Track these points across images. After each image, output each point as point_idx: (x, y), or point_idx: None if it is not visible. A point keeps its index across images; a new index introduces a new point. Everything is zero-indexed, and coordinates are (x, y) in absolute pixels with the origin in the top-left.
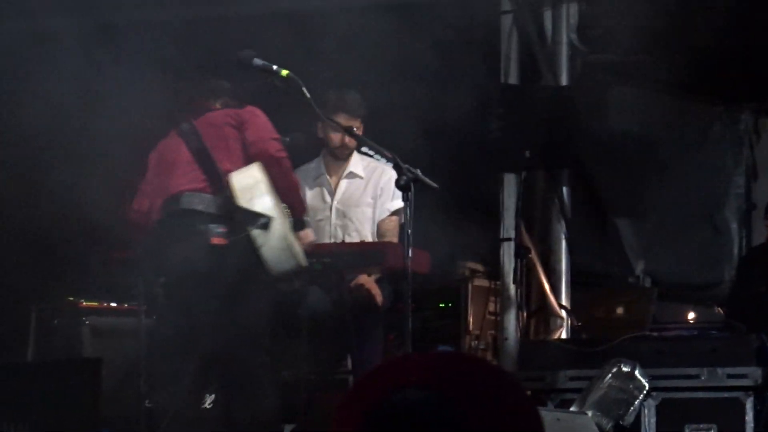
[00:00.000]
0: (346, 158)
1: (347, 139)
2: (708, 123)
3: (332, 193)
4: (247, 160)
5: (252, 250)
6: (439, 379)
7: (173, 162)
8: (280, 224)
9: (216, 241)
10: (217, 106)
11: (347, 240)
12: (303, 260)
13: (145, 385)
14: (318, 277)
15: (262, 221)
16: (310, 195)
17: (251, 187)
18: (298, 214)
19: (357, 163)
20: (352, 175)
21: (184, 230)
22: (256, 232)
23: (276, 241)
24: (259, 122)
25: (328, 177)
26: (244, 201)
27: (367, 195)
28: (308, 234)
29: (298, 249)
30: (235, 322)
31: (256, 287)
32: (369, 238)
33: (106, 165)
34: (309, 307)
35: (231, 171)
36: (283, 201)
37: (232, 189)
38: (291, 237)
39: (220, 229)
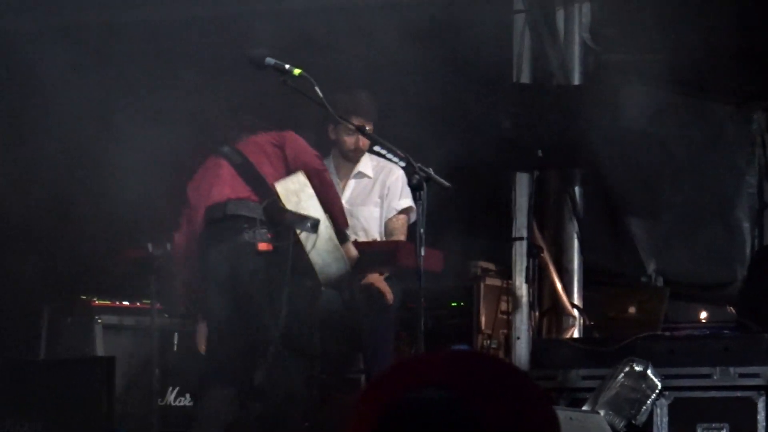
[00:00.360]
0: (357, 160)
1: (361, 142)
2: (720, 122)
3: (341, 192)
4: (290, 174)
5: (299, 256)
6: (456, 378)
7: (216, 176)
8: (327, 227)
9: (263, 247)
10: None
11: (355, 239)
12: (349, 265)
13: (158, 384)
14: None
15: (311, 222)
16: None
17: (297, 191)
18: (340, 226)
19: (366, 163)
20: (360, 175)
21: (231, 235)
22: (304, 236)
23: (324, 244)
24: (299, 141)
25: (337, 178)
26: (291, 204)
27: (375, 194)
28: (351, 248)
29: (344, 253)
30: (278, 326)
31: (301, 293)
32: (377, 238)
33: (123, 166)
34: (321, 306)
35: (275, 180)
36: (326, 212)
37: (278, 194)
38: (337, 241)
39: (268, 236)
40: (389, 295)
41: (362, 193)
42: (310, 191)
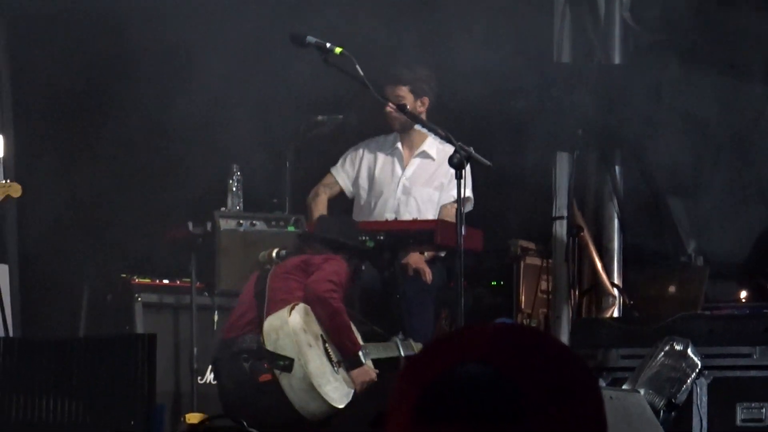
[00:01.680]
0: (405, 131)
1: (392, 108)
2: (761, 103)
3: (403, 168)
4: (304, 301)
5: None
6: (498, 352)
7: (240, 304)
8: (302, 365)
9: (263, 378)
10: (311, 250)
11: (405, 217)
12: (337, 401)
13: (197, 362)
14: (370, 255)
15: (282, 363)
16: (380, 165)
17: (277, 328)
18: (349, 354)
19: (432, 144)
20: (424, 155)
21: (236, 371)
22: (278, 374)
23: (298, 383)
24: (325, 266)
25: (403, 151)
26: (269, 342)
27: (436, 178)
28: (362, 373)
29: (329, 391)
30: None
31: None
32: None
33: (167, 147)
34: (361, 285)
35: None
36: (331, 341)
37: (263, 330)
38: (319, 379)
39: (265, 365)
40: (428, 275)
41: (424, 173)
42: (288, 329)
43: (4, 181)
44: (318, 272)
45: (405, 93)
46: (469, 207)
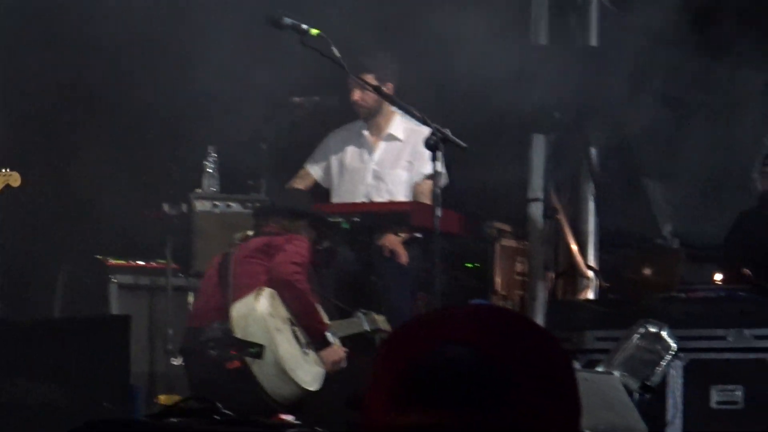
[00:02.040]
0: (370, 117)
1: (358, 95)
2: (739, 85)
3: (371, 154)
4: (269, 284)
5: (252, 380)
6: (477, 333)
7: (205, 290)
8: (273, 351)
9: (231, 365)
10: (266, 229)
11: (378, 201)
12: (309, 384)
13: (172, 344)
14: (346, 237)
15: (252, 351)
16: (349, 154)
17: (246, 315)
18: (317, 335)
19: (398, 125)
20: (390, 138)
21: (205, 360)
22: (249, 360)
23: (269, 368)
24: (288, 248)
25: (369, 137)
26: (238, 330)
27: (404, 158)
28: (331, 353)
29: (301, 374)
30: None
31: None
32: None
33: (143, 129)
34: (337, 267)
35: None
36: (299, 324)
37: (232, 318)
38: (290, 363)
39: (232, 353)
40: (404, 257)
41: (391, 155)
42: (257, 315)
43: (3, 170)
44: (281, 254)
45: (371, 80)
46: (444, 181)
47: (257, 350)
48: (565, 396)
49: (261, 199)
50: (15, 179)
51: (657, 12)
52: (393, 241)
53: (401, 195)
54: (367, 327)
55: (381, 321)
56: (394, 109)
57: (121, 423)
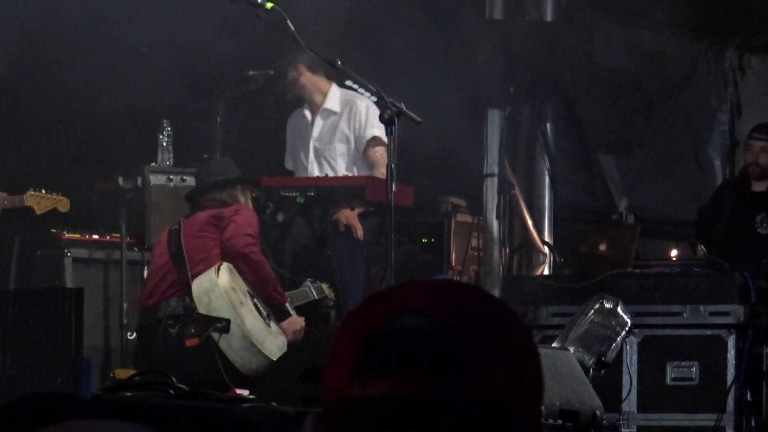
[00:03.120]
0: (297, 97)
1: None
2: (693, 60)
3: (311, 131)
4: (223, 257)
5: (219, 354)
6: (436, 305)
7: (156, 267)
8: (238, 325)
9: (189, 342)
10: (207, 203)
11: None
12: (276, 354)
13: (126, 318)
14: (301, 210)
15: (218, 325)
16: (296, 137)
17: (208, 290)
18: (277, 305)
19: (333, 98)
20: (327, 113)
21: (163, 337)
22: (215, 336)
23: (237, 342)
24: (237, 219)
25: (309, 117)
26: (202, 305)
27: (341, 130)
28: (293, 322)
29: (268, 345)
30: None
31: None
32: (343, 174)
33: (95, 96)
34: (292, 240)
35: (203, 272)
36: (258, 295)
37: (192, 294)
38: (257, 335)
39: (191, 330)
40: (359, 231)
41: (329, 130)
42: (219, 290)
43: (54, 195)
44: (231, 226)
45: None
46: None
47: (223, 324)
48: (526, 367)
49: (186, 185)
50: (64, 205)
51: None
52: (349, 215)
53: (342, 168)
54: (315, 296)
55: (326, 288)
56: (331, 81)
57: (64, 397)
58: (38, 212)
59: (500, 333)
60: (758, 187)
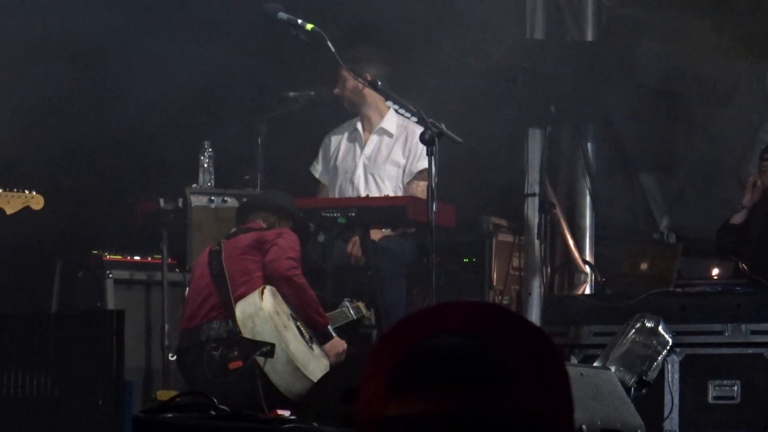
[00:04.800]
0: (359, 104)
1: (338, 89)
2: (735, 78)
3: (362, 147)
4: (265, 280)
5: (263, 378)
6: (473, 325)
7: (196, 289)
8: (283, 350)
9: (233, 365)
10: (253, 225)
11: (368, 195)
12: (325, 368)
13: (167, 339)
14: (342, 231)
15: (263, 350)
16: (343, 149)
17: (252, 315)
18: (320, 328)
19: (391, 120)
20: (382, 132)
21: (206, 360)
22: (260, 360)
23: (282, 367)
24: (280, 242)
25: (361, 131)
26: (246, 330)
27: (395, 154)
28: (335, 345)
29: (312, 369)
30: None
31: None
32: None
33: (138, 123)
34: (333, 261)
35: (245, 294)
36: (301, 318)
37: (236, 318)
38: (301, 359)
39: (235, 353)
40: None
41: (383, 150)
42: (264, 314)
43: (26, 192)
44: (274, 249)
45: (346, 76)
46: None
47: (268, 349)
48: (558, 386)
49: (247, 194)
50: (37, 202)
51: (652, 5)
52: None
53: (390, 190)
54: (353, 315)
55: (363, 307)
56: (388, 104)
57: None
58: (9, 212)
59: (535, 352)
60: None
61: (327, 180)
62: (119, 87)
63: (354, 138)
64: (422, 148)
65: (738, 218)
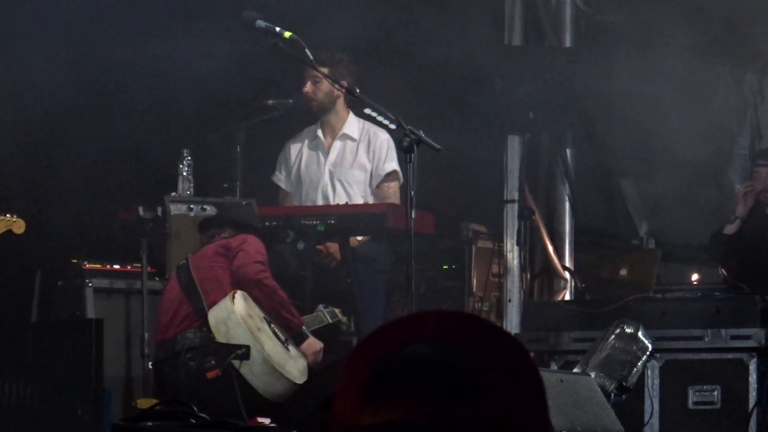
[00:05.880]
0: (323, 112)
1: (309, 87)
2: (713, 84)
3: (326, 154)
4: (235, 286)
5: (241, 382)
6: (445, 334)
7: (167, 301)
8: (259, 350)
9: (211, 375)
10: (216, 238)
11: (336, 201)
12: (298, 377)
13: (147, 347)
14: (322, 239)
15: (239, 352)
16: (305, 157)
17: (225, 319)
18: (294, 328)
19: (352, 125)
20: (345, 137)
21: (183, 370)
22: (236, 363)
23: (259, 368)
24: (246, 247)
25: (323, 138)
26: (219, 335)
27: (361, 158)
28: (311, 344)
29: (290, 369)
30: None
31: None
32: (359, 201)
33: (114, 128)
34: (312, 269)
35: (217, 301)
36: (274, 320)
37: (210, 324)
38: (278, 359)
39: (212, 362)
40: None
41: (348, 156)
42: (236, 317)
43: (7, 216)
44: (241, 254)
45: (320, 78)
46: (401, 179)
47: (243, 351)
48: (532, 394)
49: (235, 202)
50: (19, 226)
51: (629, 12)
52: (333, 247)
53: (358, 196)
54: (329, 319)
55: (339, 312)
56: (348, 109)
57: None
58: None
59: (507, 361)
60: None
61: (291, 189)
62: (99, 97)
63: (316, 145)
64: (387, 150)
65: (731, 228)
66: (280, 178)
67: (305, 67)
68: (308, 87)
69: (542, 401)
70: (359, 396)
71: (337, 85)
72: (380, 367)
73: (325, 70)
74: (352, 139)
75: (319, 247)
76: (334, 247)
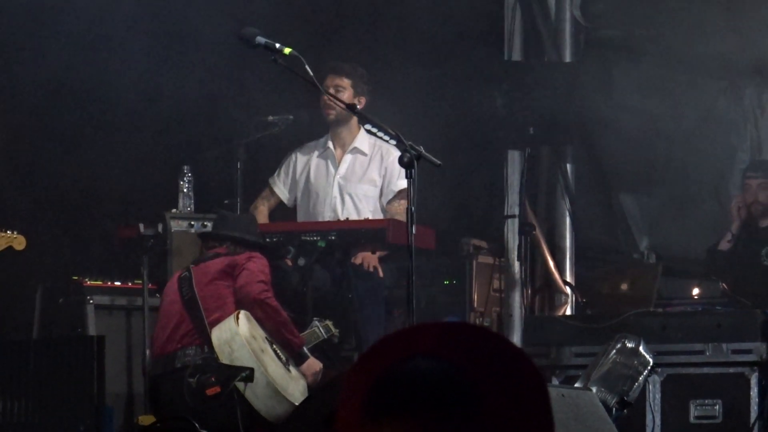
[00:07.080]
0: (339, 121)
1: (329, 99)
2: (713, 98)
3: (336, 166)
4: (237, 305)
5: (242, 403)
6: (446, 348)
7: (168, 314)
8: (262, 373)
9: (211, 392)
10: (219, 250)
11: (345, 214)
12: (299, 399)
13: (148, 364)
14: (322, 255)
15: (243, 375)
16: (314, 167)
17: (229, 340)
18: (295, 349)
19: (363, 139)
20: (356, 151)
21: (182, 387)
22: (240, 385)
23: (262, 390)
24: (250, 266)
25: (333, 150)
26: (223, 357)
27: (371, 173)
28: (311, 365)
29: (291, 391)
30: None
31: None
32: (368, 216)
33: (115, 146)
34: (313, 285)
35: (219, 320)
36: (276, 341)
37: (213, 344)
38: (280, 381)
39: (212, 379)
40: (380, 272)
41: (358, 170)
42: (241, 339)
43: (8, 232)
44: (244, 273)
45: (346, 85)
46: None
47: (247, 374)
48: (536, 411)
49: (212, 218)
50: (20, 242)
51: (629, 26)
52: (370, 258)
53: (367, 210)
54: (324, 334)
55: (332, 325)
56: (360, 124)
57: None
58: None
59: (510, 374)
60: (764, 222)
61: (288, 199)
62: (98, 113)
63: (326, 156)
64: (399, 168)
65: (725, 245)
66: (279, 186)
67: (326, 74)
68: (330, 96)
69: (547, 413)
70: (361, 410)
71: (339, 103)
72: (380, 383)
73: (348, 81)
74: (363, 154)
75: (356, 261)
76: (368, 255)
